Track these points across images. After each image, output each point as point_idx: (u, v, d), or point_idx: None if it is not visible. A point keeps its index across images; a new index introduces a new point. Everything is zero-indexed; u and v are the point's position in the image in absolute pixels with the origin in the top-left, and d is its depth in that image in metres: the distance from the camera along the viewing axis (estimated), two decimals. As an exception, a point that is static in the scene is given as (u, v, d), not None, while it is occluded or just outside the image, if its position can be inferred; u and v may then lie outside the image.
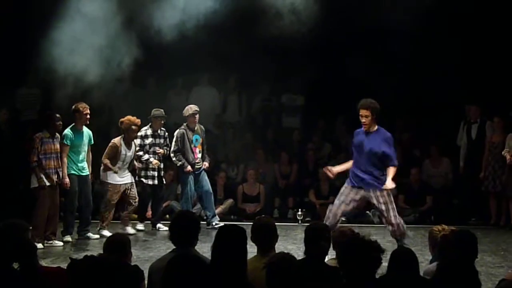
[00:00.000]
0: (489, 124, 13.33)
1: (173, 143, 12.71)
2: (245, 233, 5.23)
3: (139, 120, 12.15)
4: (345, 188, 9.52)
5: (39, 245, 9.99)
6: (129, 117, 12.13)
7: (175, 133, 12.73)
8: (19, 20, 14.02)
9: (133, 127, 12.05)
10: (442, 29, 12.53)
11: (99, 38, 11.67)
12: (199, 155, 12.80)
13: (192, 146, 12.72)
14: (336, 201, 9.50)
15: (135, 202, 12.21)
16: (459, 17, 12.74)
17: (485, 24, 13.80)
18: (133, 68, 12.67)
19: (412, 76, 13.87)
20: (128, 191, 12.09)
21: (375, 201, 9.35)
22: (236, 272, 4.96)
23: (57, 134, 11.16)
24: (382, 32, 12.90)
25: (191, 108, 12.71)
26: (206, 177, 12.94)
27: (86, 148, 11.62)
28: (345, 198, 9.43)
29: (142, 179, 12.58)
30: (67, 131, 11.38)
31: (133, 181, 12.25)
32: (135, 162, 12.40)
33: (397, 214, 9.44)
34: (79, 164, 11.47)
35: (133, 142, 12.21)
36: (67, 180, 11.25)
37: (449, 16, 11.91)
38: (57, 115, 11.17)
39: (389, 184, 9.23)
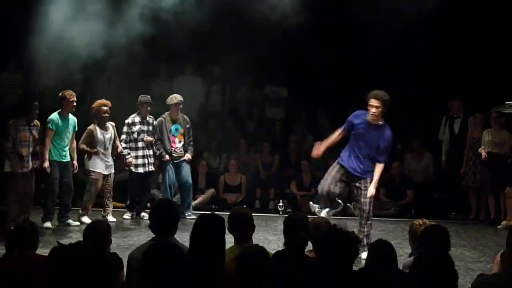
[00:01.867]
0: (471, 119, 13.38)
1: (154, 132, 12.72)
2: (223, 223, 5.24)
3: (109, 102, 12.11)
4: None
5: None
6: (99, 100, 12.12)
7: (155, 122, 12.72)
8: (1, 3, 13.90)
9: (103, 107, 11.98)
10: (425, 23, 12.53)
11: (83, 25, 11.61)
12: (179, 145, 12.76)
13: (170, 135, 12.69)
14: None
15: (110, 191, 12.18)
16: (444, 11, 12.75)
17: (469, 19, 13.83)
18: (116, 56, 12.62)
19: (395, 69, 13.88)
20: (106, 179, 12.08)
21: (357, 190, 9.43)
22: (214, 260, 4.97)
23: (36, 122, 11.11)
24: (365, 25, 12.90)
25: (176, 98, 12.68)
26: (188, 169, 12.91)
27: (70, 135, 11.60)
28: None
29: (132, 168, 12.56)
30: (54, 116, 11.37)
31: (112, 170, 12.21)
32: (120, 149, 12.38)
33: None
34: (61, 151, 11.45)
35: (109, 124, 12.15)
36: (47, 164, 11.23)
37: (434, 10, 11.92)
38: (35, 103, 11.11)
39: (372, 190, 9.34)
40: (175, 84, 15.63)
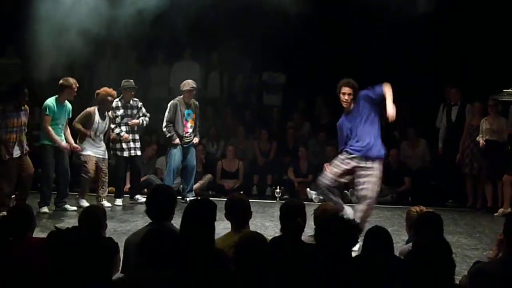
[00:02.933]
0: (469, 107, 13.37)
1: (166, 113, 12.75)
2: (214, 207, 5.23)
3: (115, 92, 12.12)
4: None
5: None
6: (105, 88, 12.10)
7: (169, 104, 12.77)
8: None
9: (109, 98, 12.02)
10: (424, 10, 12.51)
11: (81, 11, 11.58)
12: (190, 130, 12.81)
13: (184, 119, 12.73)
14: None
15: (105, 177, 12.15)
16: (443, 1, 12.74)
17: (467, 7, 13.81)
18: (114, 42, 12.59)
19: (393, 57, 13.87)
20: (100, 165, 12.07)
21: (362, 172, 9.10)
22: (204, 241, 4.98)
23: (25, 107, 11.04)
24: (363, 12, 12.88)
25: (189, 84, 12.72)
26: (194, 152, 12.98)
27: (64, 121, 11.57)
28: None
29: (117, 152, 12.55)
30: (50, 102, 11.33)
31: (106, 156, 12.21)
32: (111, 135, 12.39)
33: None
34: (56, 135, 11.41)
35: (107, 114, 12.16)
36: (75, 145, 11.53)
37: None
38: (25, 90, 11.01)
39: (392, 110, 8.95)
40: (173, 70, 15.62)
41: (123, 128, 12.49)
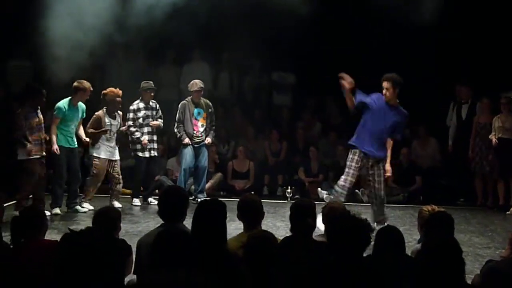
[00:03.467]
0: (479, 105, 13.35)
1: (177, 114, 12.82)
2: (224, 207, 5.25)
3: (121, 92, 12.13)
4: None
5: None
6: (111, 88, 12.12)
7: (179, 105, 12.84)
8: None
9: (117, 98, 12.03)
10: (434, 9, 12.47)
11: (91, 11, 11.59)
12: (201, 129, 12.85)
13: (193, 118, 12.78)
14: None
15: (119, 179, 12.18)
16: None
17: (477, 4, 13.77)
18: (124, 43, 12.61)
19: (403, 55, 13.83)
20: (113, 167, 12.09)
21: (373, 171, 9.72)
22: (215, 242, 4.99)
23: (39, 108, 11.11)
24: (373, 10, 12.85)
25: (196, 84, 12.77)
26: (206, 153, 12.98)
27: (77, 122, 11.62)
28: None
29: (138, 152, 12.58)
30: (61, 104, 11.38)
31: (118, 157, 12.23)
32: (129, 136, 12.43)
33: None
34: (68, 137, 11.47)
35: (117, 113, 12.18)
36: (55, 147, 11.28)
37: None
38: (43, 90, 11.08)
39: (389, 169, 9.81)
40: (183, 71, 15.63)
41: (145, 129, 12.55)
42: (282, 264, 4.77)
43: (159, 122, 12.71)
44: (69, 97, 11.49)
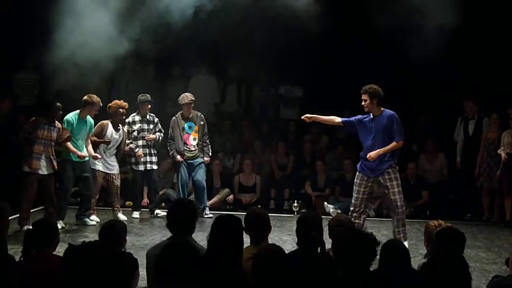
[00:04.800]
0: (486, 120, 13.34)
1: (169, 131, 12.76)
2: (241, 223, 5.26)
3: (126, 104, 12.14)
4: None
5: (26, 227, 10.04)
6: (115, 101, 12.17)
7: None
8: (17, 3, 13.98)
9: (121, 110, 12.04)
10: (440, 24, 12.49)
11: (98, 25, 11.64)
12: (193, 143, 12.72)
13: (184, 133, 12.66)
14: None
15: (117, 191, 12.18)
16: (458, 11, 12.72)
17: (484, 19, 13.76)
18: (132, 56, 12.64)
19: (410, 71, 13.84)
20: (112, 180, 12.11)
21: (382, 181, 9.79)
22: (232, 261, 4.98)
23: (57, 123, 11.12)
24: (379, 26, 12.87)
25: (187, 97, 12.68)
26: (203, 171, 12.86)
27: (85, 136, 11.62)
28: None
29: (133, 166, 12.59)
30: (70, 117, 11.41)
31: (117, 171, 12.23)
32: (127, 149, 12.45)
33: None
34: (77, 149, 11.46)
35: (121, 128, 12.18)
36: (94, 154, 11.59)
37: (447, 11, 11.91)
38: (58, 104, 11.12)
39: (373, 153, 9.66)
40: (190, 84, 15.65)
41: (139, 142, 12.51)
42: (291, 277, 4.76)
43: (157, 135, 12.68)
44: (78, 110, 11.51)
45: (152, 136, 12.58)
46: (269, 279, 4.66)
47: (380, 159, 9.65)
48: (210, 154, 13.05)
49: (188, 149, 12.70)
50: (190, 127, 12.71)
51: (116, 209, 12.16)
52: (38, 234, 5.66)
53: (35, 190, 10.93)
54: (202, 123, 12.81)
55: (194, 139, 12.74)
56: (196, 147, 12.77)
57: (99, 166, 11.93)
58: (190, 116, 12.71)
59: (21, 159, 10.96)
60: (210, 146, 13.04)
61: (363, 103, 9.73)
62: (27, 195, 10.87)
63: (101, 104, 11.62)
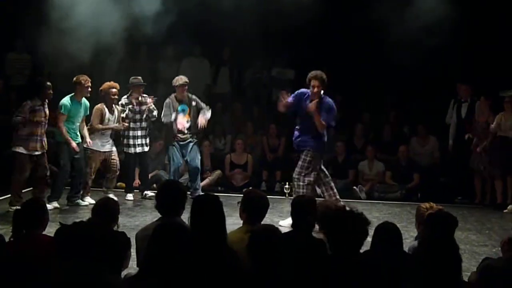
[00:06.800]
0: (479, 103, 13.35)
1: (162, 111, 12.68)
2: (219, 201, 5.23)
3: (117, 84, 12.12)
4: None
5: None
6: (106, 83, 12.12)
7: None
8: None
9: (112, 90, 12.00)
10: (435, 9, 12.48)
11: (91, 5, 11.60)
12: (187, 125, 12.67)
13: (178, 115, 12.60)
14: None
15: (116, 170, 12.23)
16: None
17: (478, 3, 13.77)
18: (125, 38, 12.61)
19: (403, 54, 13.82)
20: (109, 159, 12.11)
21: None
22: (216, 237, 4.98)
23: (47, 101, 11.10)
24: (372, 12, 12.86)
25: (181, 79, 12.63)
26: (196, 152, 12.81)
27: (80, 118, 11.65)
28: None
29: (124, 148, 12.58)
30: (66, 101, 11.40)
31: (115, 149, 12.24)
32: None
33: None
34: (72, 133, 11.48)
35: (115, 108, 12.17)
36: (89, 140, 11.61)
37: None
38: (48, 83, 11.09)
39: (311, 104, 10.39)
40: (183, 66, 15.60)
41: (132, 124, 12.48)
42: (285, 256, 4.77)
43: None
44: (72, 94, 11.50)
45: (126, 124, 12.39)
46: (264, 256, 4.67)
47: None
48: (208, 115, 12.80)
49: (181, 131, 12.67)
50: (183, 110, 12.65)
51: (107, 187, 12.18)
52: (27, 214, 5.64)
53: (29, 171, 10.92)
54: (194, 103, 12.72)
55: (188, 121, 12.68)
56: (189, 131, 12.73)
57: (95, 145, 11.92)
58: (184, 98, 12.68)
59: (12, 140, 10.93)
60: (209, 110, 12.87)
61: (315, 89, 10.47)
62: (21, 176, 10.87)
63: (89, 83, 11.53)
